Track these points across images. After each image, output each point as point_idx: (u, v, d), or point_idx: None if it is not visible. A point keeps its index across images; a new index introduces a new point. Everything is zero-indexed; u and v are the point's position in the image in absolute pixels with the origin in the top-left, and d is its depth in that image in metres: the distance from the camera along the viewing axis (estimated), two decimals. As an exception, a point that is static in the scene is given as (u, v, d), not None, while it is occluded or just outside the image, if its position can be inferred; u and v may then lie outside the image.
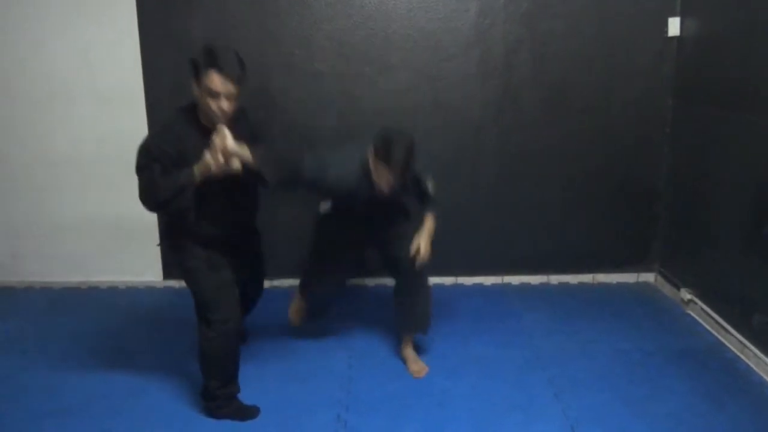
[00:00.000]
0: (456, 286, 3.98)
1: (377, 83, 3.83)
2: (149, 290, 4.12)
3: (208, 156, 2.38)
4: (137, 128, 3.88)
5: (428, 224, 2.91)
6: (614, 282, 4.11)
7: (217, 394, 2.71)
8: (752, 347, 3.08)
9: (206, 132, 2.47)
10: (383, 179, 2.64)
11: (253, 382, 2.94)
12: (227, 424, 2.71)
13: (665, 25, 3.72)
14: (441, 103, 3.86)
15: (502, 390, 2.92)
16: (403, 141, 2.61)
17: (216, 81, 2.41)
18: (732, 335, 3.24)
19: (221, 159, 2.37)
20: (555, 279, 4.13)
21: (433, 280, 3.95)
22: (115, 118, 3.90)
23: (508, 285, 4.11)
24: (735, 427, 2.63)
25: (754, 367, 3.05)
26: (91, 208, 4.06)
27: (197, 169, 2.42)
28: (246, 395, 2.83)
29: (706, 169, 3.53)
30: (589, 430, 2.62)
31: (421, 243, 2.86)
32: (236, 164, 2.41)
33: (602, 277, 4.12)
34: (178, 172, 2.44)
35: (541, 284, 4.12)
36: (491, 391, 2.91)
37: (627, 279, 4.12)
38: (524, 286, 4.09)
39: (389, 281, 4.08)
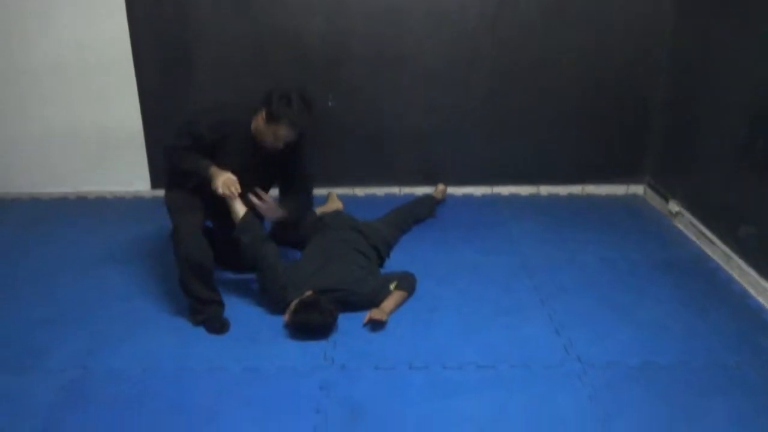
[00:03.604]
0: (446, 196, 3.99)
1: (368, -14, 3.69)
2: (138, 200, 4.11)
3: (220, 183, 2.68)
4: (118, 35, 3.76)
5: (394, 297, 2.84)
6: (603, 194, 4.14)
7: (192, 294, 2.75)
8: (736, 258, 3.13)
9: (251, 142, 2.78)
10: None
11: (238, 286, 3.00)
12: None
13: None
14: (434, 9, 3.73)
15: (491, 295, 2.98)
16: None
17: (285, 132, 2.69)
18: (717, 246, 3.29)
19: (225, 192, 2.70)
20: (545, 190, 4.15)
21: (424, 190, 4.00)
22: (95, 23, 3.75)
23: (498, 196, 4.13)
24: (716, 332, 2.70)
25: (737, 278, 3.11)
26: (77, 119, 3.97)
27: (211, 175, 2.71)
28: (228, 301, 2.88)
29: (701, 80, 3.49)
30: (573, 333, 2.69)
31: (379, 312, 2.73)
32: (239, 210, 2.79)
33: (592, 189, 4.14)
34: (200, 160, 2.73)
35: (531, 195, 4.13)
36: (480, 296, 2.97)
37: (616, 191, 4.14)
38: (514, 197, 4.11)
39: (379, 191, 4.11)
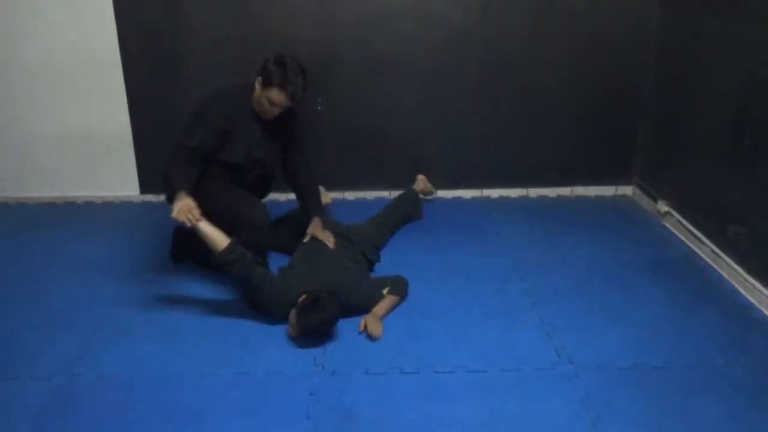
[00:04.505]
0: (436, 200, 3.99)
1: (356, -11, 3.68)
2: (127, 205, 4.07)
3: (176, 209, 2.60)
4: (105, 36, 3.73)
5: (387, 302, 2.84)
6: (592, 195, 4.15)
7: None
8: (725, 257, 3.15)
9: (255, 118, 2.88)
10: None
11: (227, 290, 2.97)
12: (209, 329, 2.75)
13: (653, -71, 3.60)
14: (422, 9, 3.73)
15: (482, 298, 2.97)
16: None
17: (279, 97, 2.75)
18: (706, 245, 3.30)
19: (179, 218, 2.61)
20: (534, 192, 4.15)
21: (414, 193, 3.97)
22: (82, 24, 3.72)
23: (488, 198, 4.13)
24: (706, 331, 2.71)
25: (726, 276, 3.12)
26: (64, 122, 3.93)
27: (176, 197, 2.65)
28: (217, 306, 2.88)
29: (689, 80, 3.50)
30: (564, 335, 2.68)
31: (375, 324, 2.71)
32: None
33: (581, 190, 4.15)
34: (181, 177, 2.72)
35: (521, 197, 4.14)
36: (471, 299, 2.96)
37: (605, 192, 4.15)
38: (503, 200, 4.11)
39: (369, 194, 4.10)
